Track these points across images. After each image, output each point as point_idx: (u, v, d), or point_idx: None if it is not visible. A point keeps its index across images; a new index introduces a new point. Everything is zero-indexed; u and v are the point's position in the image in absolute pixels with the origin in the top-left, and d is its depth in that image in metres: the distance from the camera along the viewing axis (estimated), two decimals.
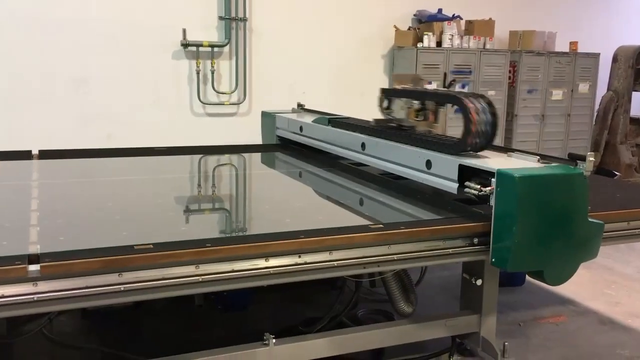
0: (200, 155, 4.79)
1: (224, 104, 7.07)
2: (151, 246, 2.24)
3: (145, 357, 2.70)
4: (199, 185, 4.16)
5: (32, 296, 2.03)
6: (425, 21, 7.78)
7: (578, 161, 2.68)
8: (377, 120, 4.02)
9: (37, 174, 3.86)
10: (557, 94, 8.35)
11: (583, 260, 2.73)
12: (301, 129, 4.63)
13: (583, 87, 8.53)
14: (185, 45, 6.70)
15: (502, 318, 4.11)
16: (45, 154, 4.37)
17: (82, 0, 6.29)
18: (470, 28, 7.90)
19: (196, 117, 7.00)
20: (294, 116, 4.94)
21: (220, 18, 6.87)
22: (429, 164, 3.13)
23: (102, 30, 6.39)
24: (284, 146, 4.97)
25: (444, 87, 7.51)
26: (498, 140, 7.83)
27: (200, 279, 2.27)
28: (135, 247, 2.23)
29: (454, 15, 7.82)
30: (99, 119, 6.47)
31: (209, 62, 6.89)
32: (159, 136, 6.13)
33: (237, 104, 7.13)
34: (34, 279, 2.04)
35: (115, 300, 2.21)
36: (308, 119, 4.65)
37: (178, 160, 4.59)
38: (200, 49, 6.78)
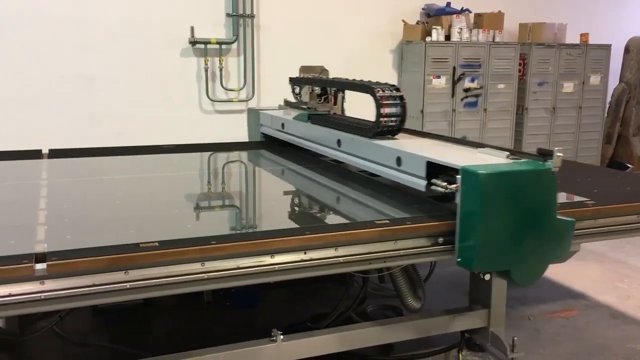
0: (206, 153, 4.79)
1: (232, 101, 7.08)
2: (157, 244, 2.26)
3: (155, 354, 2.71)
4: (209, 182, 4.17)
5: (39, 294, 2.05)
6: (434, 15, 7.74)
7: (546, 157, 2.56)
8: (288, 103, 5.02)
9: (46, 173, 3.89)
10: (568, 87, 8.27)
11: (553, 259, 2.63)
12: (283, 125, 4.60)
13: (594, 79, 8.43)
14: (193, 42, 6.71)
15: (512, 313, 4.09)
16: (55, 153, 4.41)
17: None
18: (479, 21, 7.84)
19: (205, 115, 7.02)
20: (279, 113, 4.89)
21: (228, 15, 6.88)
22: (399, 160, 3.06)
23: (110, 29, 6.42)
24: (268, 144, 4.94)
25: (453, 81, 7.47)
26: (508, 134, 7.86)
27: (206, 276, 2.27)
28: (141, 245, 2.24)
29: (462, 8, 7.77)
30: (108, 118, 6.51)
31: (217, 59, 6.90)
32: (168, 134, 6.16)
33: (246, 100, 7.14)
34: (40, 278, 2.06)
35: (122, 298, 2.22)
36: (292, 115, 4.59)
37: (185, 158, 4.61)
38: (208, 46, 6.80)
